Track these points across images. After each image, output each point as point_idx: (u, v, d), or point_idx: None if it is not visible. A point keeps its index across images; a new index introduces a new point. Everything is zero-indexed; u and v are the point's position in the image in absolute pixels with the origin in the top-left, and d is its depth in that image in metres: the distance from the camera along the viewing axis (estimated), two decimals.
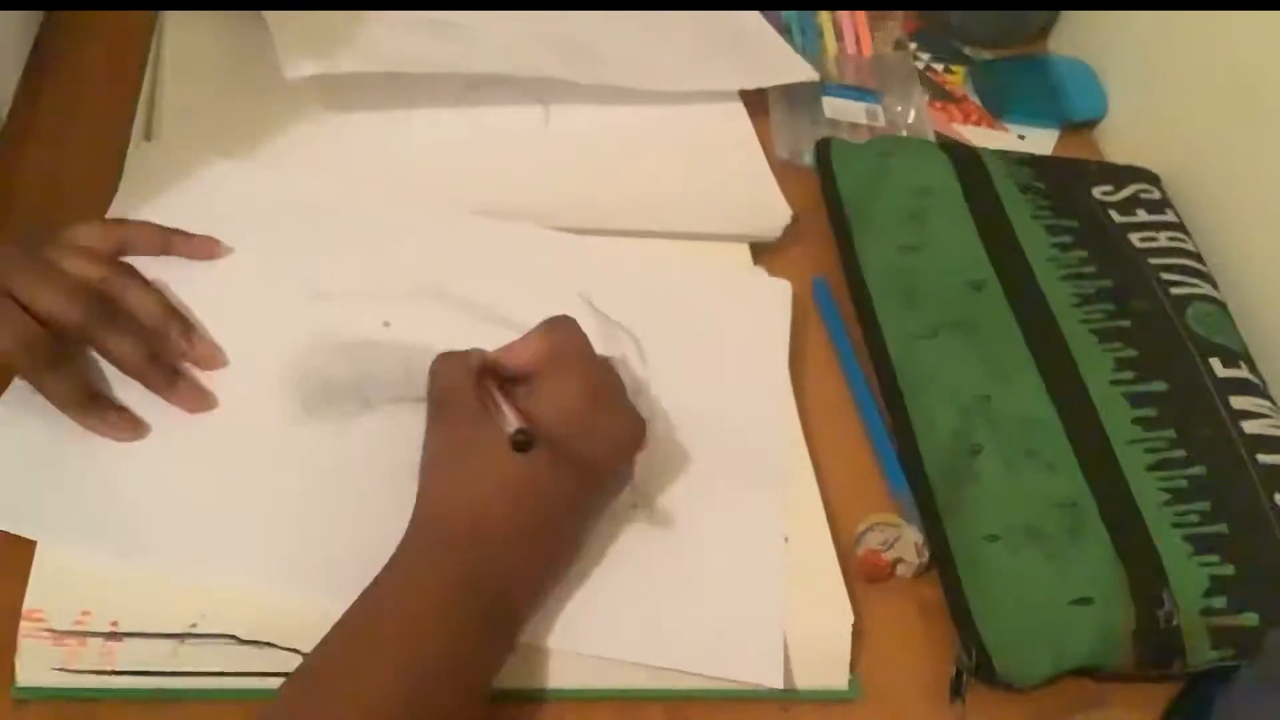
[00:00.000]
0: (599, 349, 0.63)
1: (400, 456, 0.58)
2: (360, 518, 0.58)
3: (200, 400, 0.61)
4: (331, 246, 0.69)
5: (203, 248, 0.66)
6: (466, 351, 0.60)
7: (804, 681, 0.60)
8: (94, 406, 0.58)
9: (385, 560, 0.53)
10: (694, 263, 0.75)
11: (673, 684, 0.58)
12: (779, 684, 0.58)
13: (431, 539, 0.54)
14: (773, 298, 0.74)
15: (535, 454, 0.53)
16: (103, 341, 0.59)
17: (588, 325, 0.62)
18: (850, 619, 0.60)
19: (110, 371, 0.60)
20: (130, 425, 0.59)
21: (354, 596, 0.52)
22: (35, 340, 0.57)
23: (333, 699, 0.49)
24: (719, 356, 0.70)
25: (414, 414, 0.59)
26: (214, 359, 0.62)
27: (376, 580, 0.53)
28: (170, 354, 0.61)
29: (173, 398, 0.60)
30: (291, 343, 0.64)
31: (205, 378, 0.62)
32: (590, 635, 0.58)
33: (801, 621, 0.60)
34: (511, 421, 0.54)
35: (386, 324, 0.66)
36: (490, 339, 0.61)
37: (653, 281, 0.72)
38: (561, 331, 0.60)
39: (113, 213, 0.67)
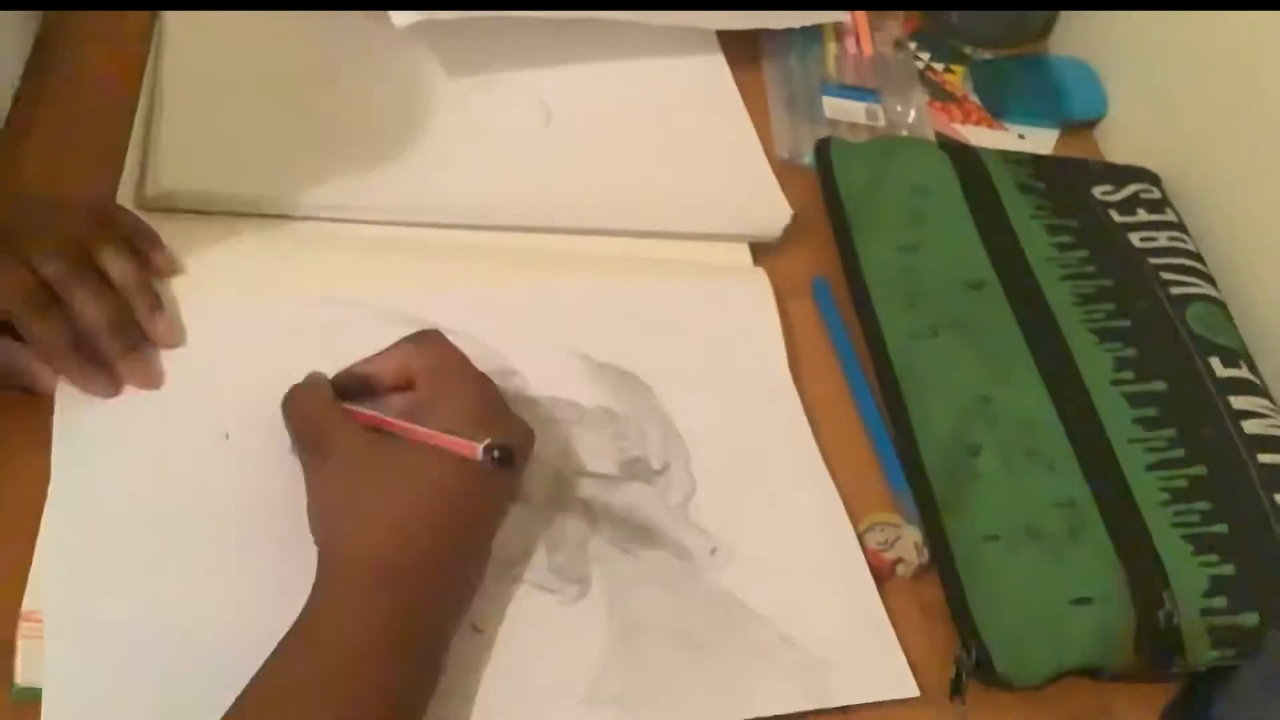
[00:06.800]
0: (601, 396, 0.65)
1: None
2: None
3: (148, 377, 0.61)
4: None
5: (162, 265, 0.66)
6: (309, 379, 0.59)
7: None
8: (74, 357, 0.59)
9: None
10: (673, 279, 0.74)
11: None
12: (916, 691, 0.59)
13: (351, 587, 0.52)
14: (755, 290, 0.74)
15: (455, 475, 0.53)
16: (72, 296, 0.60)
17: (585, 378, 0.65)
18: None
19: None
20: (107, 382, 0.60)
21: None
22: (31, 289, 0.59)
23: None
24: (722, 370, 0.70)
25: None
26: (174, 338, 0.63)
27: (292, 638, 0.50)
28: (135, 324, 0.62)
29: (122, 368, 0.61)
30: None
31: None
32: (692, 705, 0.57)
33: None
34: (475, 441, 0.53)
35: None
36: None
37: (640, 314, 0.71)
38: (436, 345, 0.59)
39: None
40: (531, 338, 0.68)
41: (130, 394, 0.61)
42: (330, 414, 0.57)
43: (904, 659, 0.60)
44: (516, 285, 0.69)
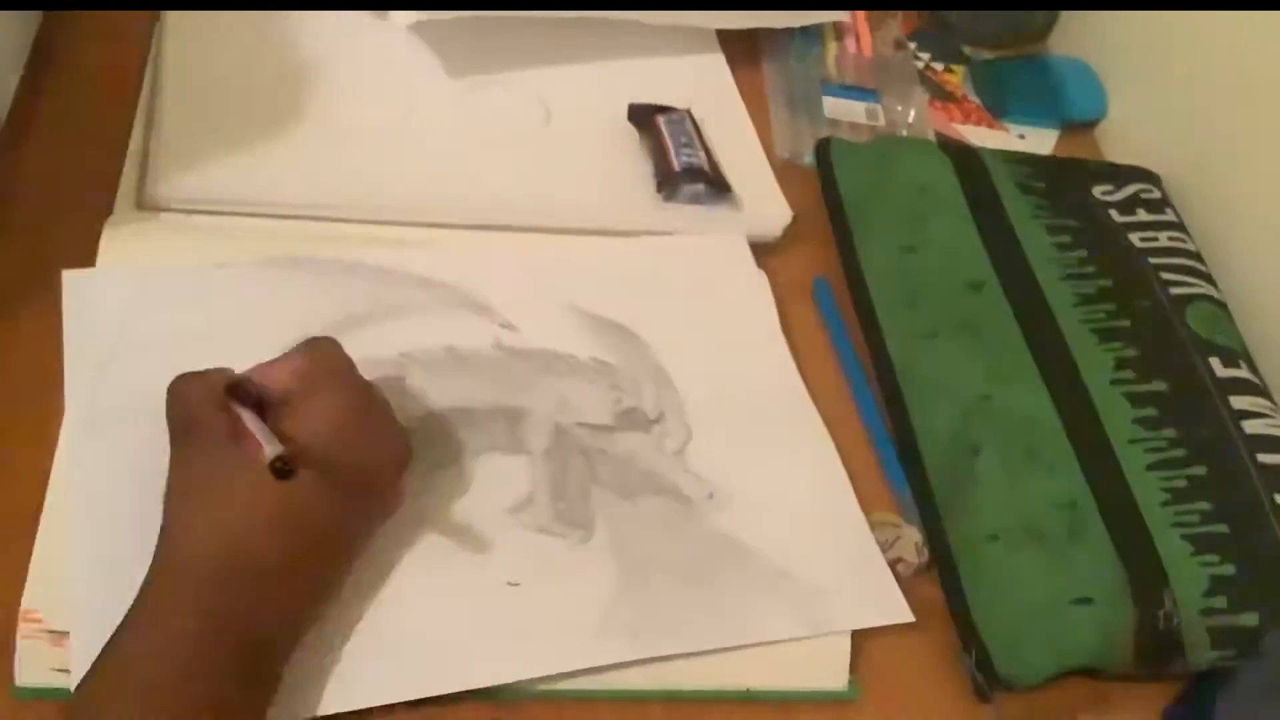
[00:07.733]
0: (595, 348, 0.65)
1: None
2: None
3: None
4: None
5: None
6: (208, 371, 0.56)
7: (803, 682, 0.60)
8: None
9: None
10: (660, 241, 0.75)
11: (673, 684, 0.58)
12: (911, 617, 0.61)
13: (174, 577, 0.50)
14: (732, 246, 0.76)
15: (295, 480, 0.50)
16: None
17: (578, 330, 0.65)
18: None
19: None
20: None
21: None
22: None
23: None
24: (711, 320, 0.72)
25: None
26: None
27: (120, 626, 0.49)
28: None
29: None
30: None
31: None
32: (699, 633, 0.59)
33: None
34: (270, 447, 0.50)
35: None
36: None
37: (628, 267, 0.73)
38: (320, 350, 0.57)
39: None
40: (524, 291, 0.70)
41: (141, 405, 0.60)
42: (204, 406, 0.54)
43: (897, 586, 0.63)
44: (507, 241, 0.71)
